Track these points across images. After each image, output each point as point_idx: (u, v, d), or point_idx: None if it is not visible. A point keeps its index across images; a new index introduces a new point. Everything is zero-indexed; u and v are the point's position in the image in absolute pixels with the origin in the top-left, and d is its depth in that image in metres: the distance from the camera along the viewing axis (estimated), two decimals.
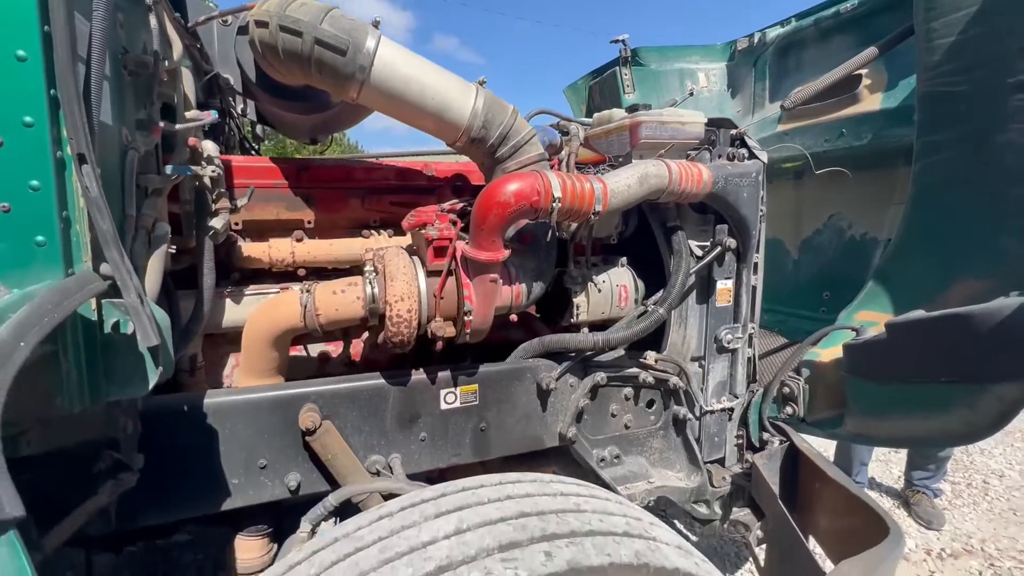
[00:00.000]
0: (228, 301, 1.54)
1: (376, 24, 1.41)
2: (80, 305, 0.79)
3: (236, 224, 1.62)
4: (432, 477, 2.13)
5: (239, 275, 1.63)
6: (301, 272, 1.65)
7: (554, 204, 1.37)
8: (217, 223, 1.35)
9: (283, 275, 1.68)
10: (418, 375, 1.59)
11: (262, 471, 1.43)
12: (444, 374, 1.62)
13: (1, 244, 0.80)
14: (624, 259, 1.90)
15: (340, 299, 1.42)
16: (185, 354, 1.49)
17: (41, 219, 0.83)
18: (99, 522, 1.23)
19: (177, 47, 1.19)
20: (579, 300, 1.77)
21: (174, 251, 1.20)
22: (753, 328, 2.08)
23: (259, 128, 2.56)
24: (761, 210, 1.98)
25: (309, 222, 1.71)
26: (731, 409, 2.08)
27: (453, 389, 1.63)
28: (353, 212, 1.76)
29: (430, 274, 1.45)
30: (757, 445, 2.12)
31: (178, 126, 1.19)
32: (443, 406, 1.63)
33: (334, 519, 1.34)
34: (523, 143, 1.58)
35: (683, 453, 2.05)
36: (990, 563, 2.94)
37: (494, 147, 1.56)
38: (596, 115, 1.98)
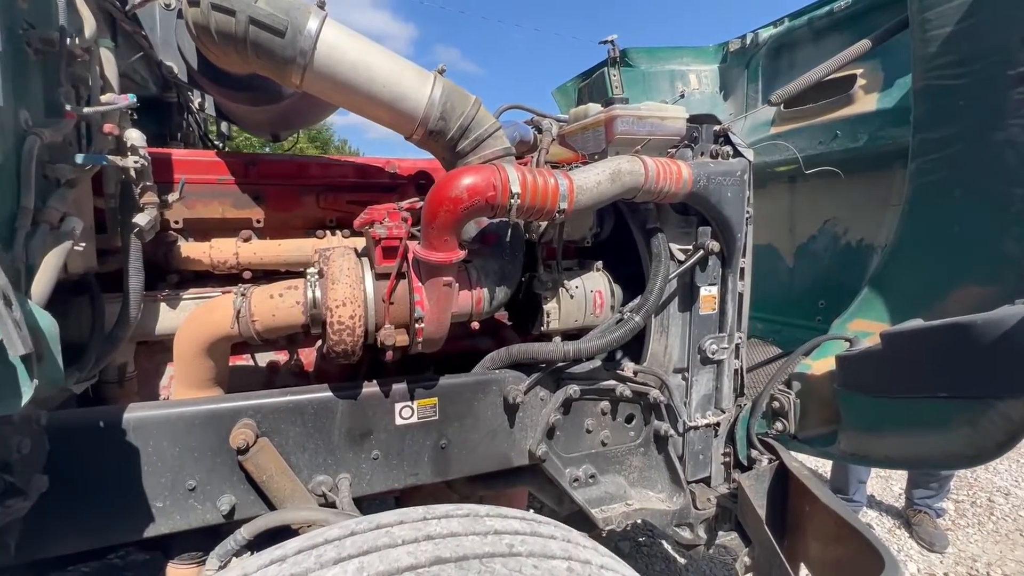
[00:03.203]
0: (163, 305, 1.42)
1: (322, 4, 1.29)
2: None
3: (176, 222, 1.50)
4: (394, 499, 1.99)
5: (178, 278, 1.50)
6: (247, 275, 1.53)
7: (512, 201, 1.25)
8: (142, 220, 1.23)
9: (229, 278, 1.55)
10: (370, 388, 1.46)
11: (191, 493, 1.30)
12: (400, 386, 1.49)
13: None
14: (599, 263, 1.77)
15: (278, 304, 1.29)
16: (112, 363, 1.36)
17: None
18: None
19: (90, 23, 1.08)
20: (549, 307, 1.64)
21: (81, 248, 1.08)
22: (740, 338, 1.95)
23: (225, 125, 2.45)
24: (748, 211, 1.86)
25: (258, 221, 1.59)
26: (717, 425, 1.94)
27: (409, 403, 1.50)
28: (307, 211, 1.64)
29: (379, 277, 1.33)
30: (745, 464, 1.98)
31: (87, 110, 1.07)
32: (398, 421, 1.49)
33: (249, 552, 1.20)
34: (486, 136, 1.46)
35: (665, 472, 1.91)
36: None
37: (454, 141, 1.45)
38: (572, 111, 1.87)
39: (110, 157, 1.15)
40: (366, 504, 1.89)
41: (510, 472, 1.73)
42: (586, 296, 1.69)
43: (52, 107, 1.09)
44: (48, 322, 0.90)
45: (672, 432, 1.84)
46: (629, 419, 1.85)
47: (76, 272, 1.23)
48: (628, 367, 1.77)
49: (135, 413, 1.24)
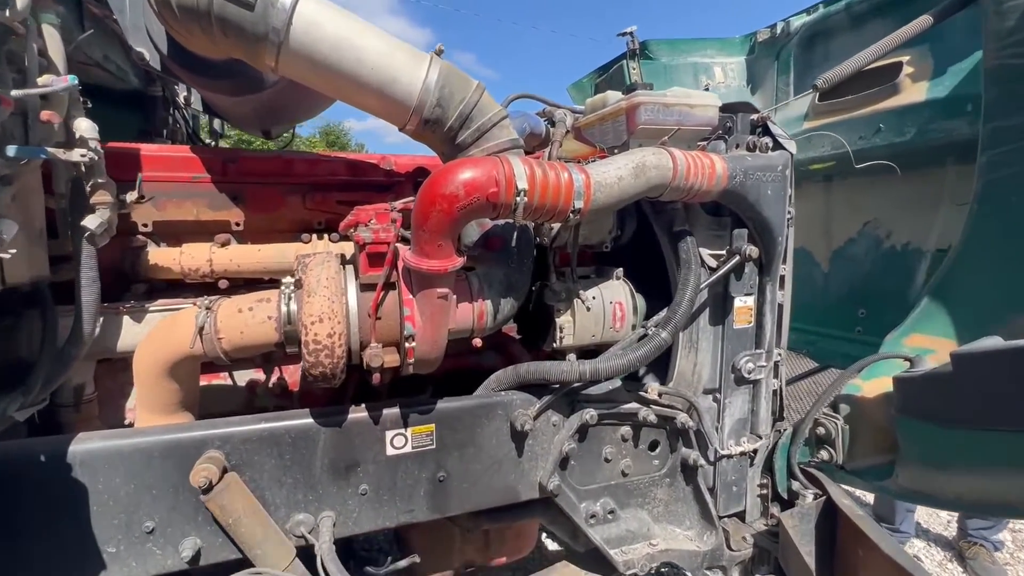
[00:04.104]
0: (126, 319, 1.26)
1: None
2: None
3: (145, 226, 1.35)
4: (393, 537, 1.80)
5: (147, 287, 1.35)
6: (223, 284, 1.37)
7: (518, 199, 1.06)
8: (92, 223, 1.07)
9: (204, 288, 1.39)
10: (357, 413, 1.28)
11: (148, 536, 1.13)
12: (391, 412, 1.30)
13: None
14: (620, 271, 1.57)
15: (246, 319, 1.12)
16: (65, 385, 1.20)
17: None
18: None
19: None
20: (563, 320, 1.45)
21: (10, 255, 0.91)
22: (779, 355, 1.72)
23: (218, 122, 2.31)
24: (789, 212, 1.64)
25: (237, 223, 1.43)
26: (753, 452, 1.72)
27: (402, 430, 1.32)
28: (292, 212, 1.47)
29: (365, 288, 1.15)
30: (785, 497, 1.75)
31: (15, 93, 0.91)
32: (390, 451, 1.31)
33: None
34: (490, 126, 1.27)
35: (694, 506, 1.69)
36: None
37: (453, 131, 1.26)
38: (588, 100, 1.68)
39: (51, 150, 0.99)
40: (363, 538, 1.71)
41: (519, 504, 1.53)
42: (604, 308, 1.49)
43: None
44: None
45: (702, 461, 1.62)
46: (653, 446, 1.64)
47: (19, 281, 1.07)
48: (652, 388, 1.56)
49: (83, 445, 1.08)
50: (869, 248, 2.75)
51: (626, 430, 1.58)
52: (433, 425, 1.35)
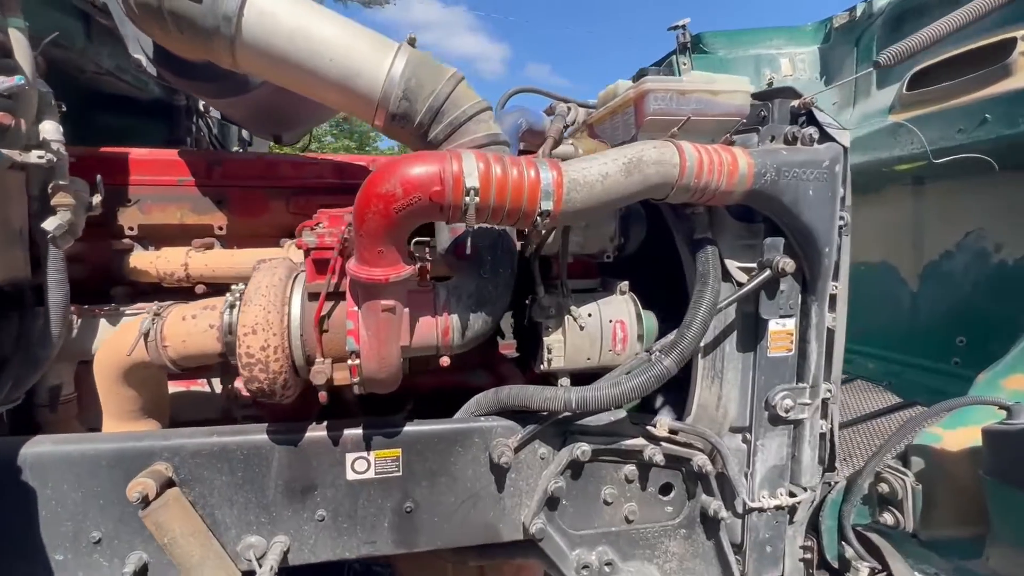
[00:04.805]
0: (103, 322, 1.26)
1: None
2: None
3: (131, 229, 1.35)
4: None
5: (129, 290, 1.35)
6: (199, 288, 1.34)
7: (467, 199, 0.91)
8: (50, 224, 1.06)
9: (185, 292, 1.37)
10: (315, 432, 1.18)
11: (96, 547, 1.10)
12: (352, 432, 1.20)
13: None
14: (625, 285, 1.36)
15: (189, 328, 1.06)
16: (41, 385, 1.21)
17: None
18: None
19: None
20: (551, 340, 1.27)
21: None
22: (829, 392, 1.42)
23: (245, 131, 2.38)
24: (841, 217, 1.35)
25: (220, 227, 1.40)
26: (792, 508, 1.42)
27: (365, 454, 1.20)
28: (276, 216, 1.43)
29: (312, 297, 1.05)
30: (835, 565, 1.44)
31: None
32: (350, 475, 1.20)
33: None
34: (463, 120, 1.14)
35: (715, 565, 1.43)
36: None
37: (423, 126, 1.14)
38: (601, 92, 1.49)
39: (6, 152, 0.99)
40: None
41: (507, 543, 1.36)
42: (602, 327, 1.29)
43: None
44: None
45: (724, 512, 1.36)
46: (665, 490, 1.40)
47: None
48: (662, 423, 1.33)
49: (35, 448, 1.07)
50: (971, 263, 2.29)
51: (630, 470, 1.36)
52: (399, 450, 1.22)
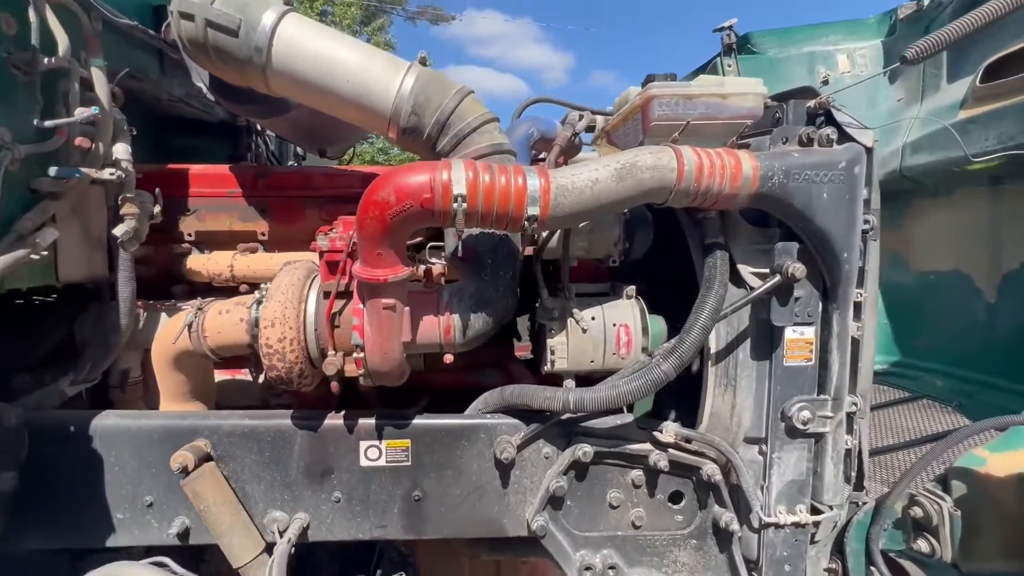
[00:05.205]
0: (163, 315, 1.45)
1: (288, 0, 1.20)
2: None
3: (189, 235, 1.54)
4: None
5: (187, 288, 1.54)
6: (243, 288, 1.50)
7: (455, 205, 0.98)
8: (118, 231, 1.25)
9: (232, 291, 1.54)
10: (332, 420, 1.29)
11: (148, 509, 1.27)
12: (366, 422, 1.30)
13: None
14: (632, 289, 1.37)
15: (224, 320, 1.21)
16: (114, 368, 1.41)
17: None
18: None
19: (63, 42, 1.13)
20: (554, 342, 1.30)
21: (38, 257, 1.11)
22: (855, 405, 1.34)
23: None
24: (866, 220, 1.28)
25: (263, 234, 1.57)
26: (813, 526, 1.35)
27: (376, 442, 1.30)
28: (310, 223, 1.57)
29: (327, 296, 1.16)
30: None
31: (48, 123, 1.11)
32: (363, 462, 1.30)
33: None
34: (468, 131, 1.21)
35: None
36: None
37: (432, 139, 1.23)
38: (616, 99, 1.52)
39: (84, 170, 1.18)
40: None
41: (518, 539, 1.40)
42: (606, 331, 1.30)
43: (42, 126, 1.15)
44: None
45: (736, 525, 1.33)
46: (675, 498, 1.39)
47: (74, 279, 1.30)
48: (668, 429, 1.32)
49: (102, 421, 1.25)
50: None
51: (637, 475, 1.36)
52: (408, 441, 1.31)
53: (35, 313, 1.50)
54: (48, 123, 1.11)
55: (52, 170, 1.15)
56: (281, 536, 1.24)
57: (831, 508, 1.36)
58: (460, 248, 1.23)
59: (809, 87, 1.32)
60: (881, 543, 1.32)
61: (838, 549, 1.38)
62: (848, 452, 1.35)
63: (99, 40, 1.25)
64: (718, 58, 2.92)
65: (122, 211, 1.26)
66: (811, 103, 1.26)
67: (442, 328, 1.19)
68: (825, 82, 2.89)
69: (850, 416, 1.35)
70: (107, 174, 1.22)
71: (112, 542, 1.27)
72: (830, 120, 1.27)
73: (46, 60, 1.12)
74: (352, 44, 1.21)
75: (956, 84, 2.45)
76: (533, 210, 1.01)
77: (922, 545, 1.28)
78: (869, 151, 1.25)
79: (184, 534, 1.27)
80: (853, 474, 1.37)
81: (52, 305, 1.51)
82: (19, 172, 1.11)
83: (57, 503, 1.25)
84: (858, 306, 1.31)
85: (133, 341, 1.40)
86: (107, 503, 1.26)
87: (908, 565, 1.32)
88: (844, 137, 1.25)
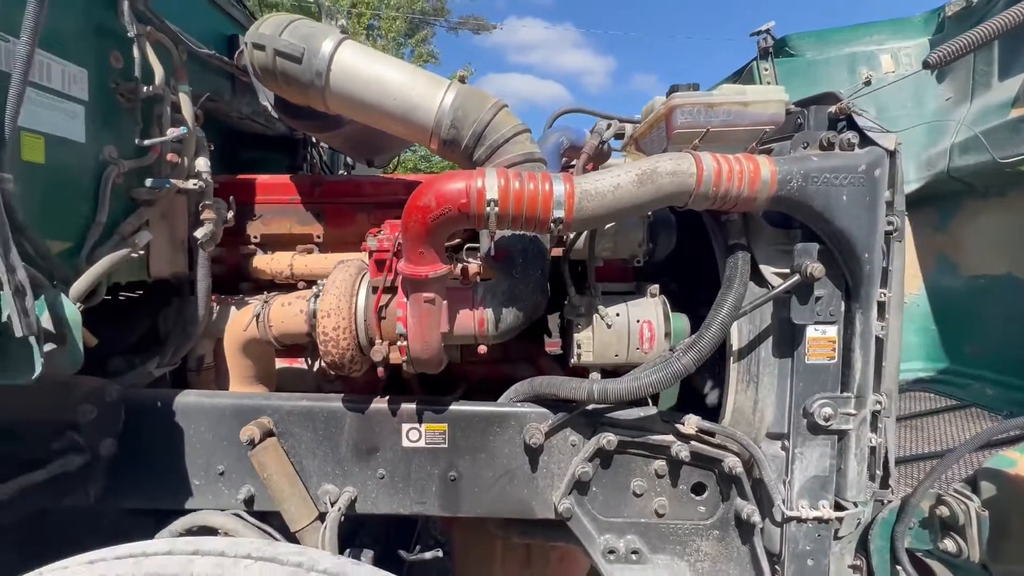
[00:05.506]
0: (232, 308, 1.63)
1: (344, 29, 1.36)
2: None
3: (255, 238, 1.73)
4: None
5: (253, 285, 1.72)
6: (300, 285, 1.67)
7: (488, 209, 1.09)
8: (199, 233, 1.44)
9: (292, 288, 1.72)
10: (378, 404, 1.43)
11: (220, 477, 1.44)
12: (408, 407, 1.43)
13: None
14: (656, 288, 1.44)
15: (287, 312, 1.37)
16: (192, 354, 1.61)
17: None
18: (78, 494, 1.38)
19: (159, 73, 1.32)
20: (580, 337, 1.39)
21: (138, 256, 1.30)
22: (880, 403, 1.36)
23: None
24: (889, 222, 1.30)
25: (318, 236, 1.74)
26: (836, 522, 1.38)
27: (417, 425, 1.43)
28: (360, 227, 1.72)
29: (375, 290, 1.30)
30: None
31: (147, 142, 1.31)
32: (405, 443, 1.43)
33: None
34: (502, 142, 1.33)
35: (750, 573, 1.43)
36: None
37: (469, 149, 1.35)
38: (644, 108, 1.60)
39: (173, 181, 1.38)
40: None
41: (548, 522, 1.50)
42: (628, 327, 1.38)
43: (139, 145, 1.36)
44: (73, 313, 1.09)
45: (757, 517, 1.37)
46: (698, 489, 1.45)
47: (162, 276, 1.50)
48: (690, 422, 1.38)
49: (183, 399, 1.44)
50: None
51: (660, 465, 1.43)
52: (446, 425, 1.43)
53: (127, 306, 1.72)
54: (146, 142, 1.30)
55: (148, 181, 1.35)
56: (332, 506, 1.38)
57: (855, 505, 1.38)
58: (493, 248, 1.35)
59: (831, 93, 1.36)
60: (907, 542, 1.33)
61: (863, 547, 1.40)
62: (873, 450, 1.37)
63: (185, 69, 1.45)
64: (754, 62, 2.92)
65: (202, 216, 1.45)
66: (832, 108, 1.31)
67: (476, 321, 1.30)
68: (867, 82, 2.84)
69: (875, 415, 1.37)
70: (191, 184, 1.41)
71: (189, 505, 1.45)
72: (852, 125, 1.30)
73: (145, 88, 1.32)
74: (399, 66, 1.36)
75: (1008, 81, 2.38)
76: (559, 213, 1.11)
77: (949, 545, 1.29)
78: (891, 154, 1.28)
79: (249, 500, 1.43)
80: (879, 472, 1.39)
81: (140, 299, 1.74)
82: (122, 183, 1.32)
83: (145, 469, 1.45)
84: (882, 306, 1.34)
85: (208, 331, 1.59)
86: (186, 470, 1.44)
87: (936, 565, 1.32)
88: (866, 141, 1.28)
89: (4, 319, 0.98)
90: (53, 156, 1.14)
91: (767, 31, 2.96)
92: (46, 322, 1.02)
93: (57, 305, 1.07)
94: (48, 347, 1.02)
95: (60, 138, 1.16)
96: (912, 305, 2.73)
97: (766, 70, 2.87)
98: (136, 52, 1.29)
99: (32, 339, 1.00)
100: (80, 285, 1.15)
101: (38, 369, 1.02)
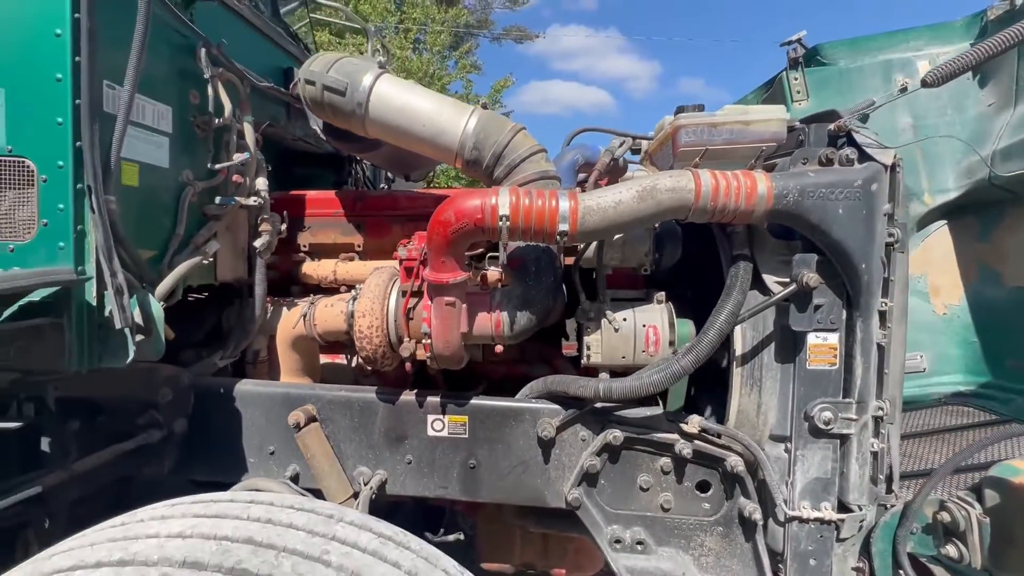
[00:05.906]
0: (284, 309, 1.85)
1: (382, 64, 1.54)
2: (32, 289, 1.09)
3: (304, 247, 1.95)
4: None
5: (300, 289, 1.94)
6: (343, 289, 1.87)
7: (500, 223, 1.24)
8: (258, 243, 1.66)
9: (335, 291, 1.92)
10: (407, 396, 1.60)
11: (271, 457, 1.65)
12: (433, 399, 1.58)
13: (41, 247, 1.18)
14: (662, 294, 1.54)
15: (329, 312, 1.56)
16: (249, 349, 1.83)
17: (63, 230, 1.19)
18: (156, 465, 1.61)
19: (228, 106, 1.55)
20: (591, 339, 1.51)
21: (208, 262, 1.53)
22: (882, 409, 1.40)
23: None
24: (888, 233, 1.35)
25: (359, 246, 1.93)
26: (837, 524, 1.42)
27: (441, 416, 1.58)
28: (396, 238, 1.90)
29: (404, 294, 1.47)
30: None
31: (218, 166, 1.53)
32: (430, 432, 1.59)
33: None
34: (519, 161, 1.48)
35: (753, 570, 1.49)
36: None
37: (490, 168, 1.51)
38: (656, 124, 1.70)
39: (238, 198, 1.60)
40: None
41: (562, 513, 1.62)
42: (636, 330, 1.49)
43: (212, 170, 1.59)
44: (157, 310, 1.32)
45: (758, 515, 1.44)
46: (703, 487, 1.53)
47: (226, 280, 1.73)
48: (693, 421, 1.47)
49: (242, 387, 1.66)
50: None
51: (665, 462, 1.52)
52: (467, 417, 1.57)
53: (196, 305, 1.98)
54: (216, 166, 1.53)
55: (217, 199, 1.58)
56: (365, 486, 1.56)
57: (858, 508, 1.42)
58: (507, 257, 1.49)
59: (833, 111, 1.42)
60: (909, 546, 1.36)
61: (866, 549, 1.43)
62: (875, 455, 1.41)
63: (249, 102, 1.68)
64: (784, 73, 2.94)
65: (260, 228, 1.67)
66: (831, 126, 1.37)
67: (493, 323, 1.45)
68: (903, 89, 2.80)
69: (877, 420, 1.41)
70: (252, 201, 1.63)
71: (245, 479, 1.66)
72: (851, 141, 1.36)
73: (217, 120, 1.55)
74: (428, 95, 1.53)
75: None
76: (564, 227, 1.24)
77: (951, 550, 1.31)
78: (890, 168, 1.33)
79: (295, 478, 1.63)
80: (882, 477, 1.43)
81: (207, 300, 1.99)
82: (196, 201, 1.55)
83: (209, 446, 1.67)
84: (884, 315, 1.38)
85: (263, 328, 1.81)
86: (243, 449, 1.66)
87: (938, 571, 1.35)
88: (864, 157, 1.34)
89: (107, 314, 1.21)
90: (144, 180, 1.38)
91: (798, 40, 2.96)
92: (137, 317, 1.25)
93: (145, 303, 1.29)
94: (138, 338, 1.24)
95: (150, 165, 1.40)
96: (952, 317, 2.66)
97: (796, 80, 2.88)
98: (210, 90, 1.52)
99: (127, 331, 1.22)
100: (163, 287, 1.38)
101: (131, 355, 1.24)
